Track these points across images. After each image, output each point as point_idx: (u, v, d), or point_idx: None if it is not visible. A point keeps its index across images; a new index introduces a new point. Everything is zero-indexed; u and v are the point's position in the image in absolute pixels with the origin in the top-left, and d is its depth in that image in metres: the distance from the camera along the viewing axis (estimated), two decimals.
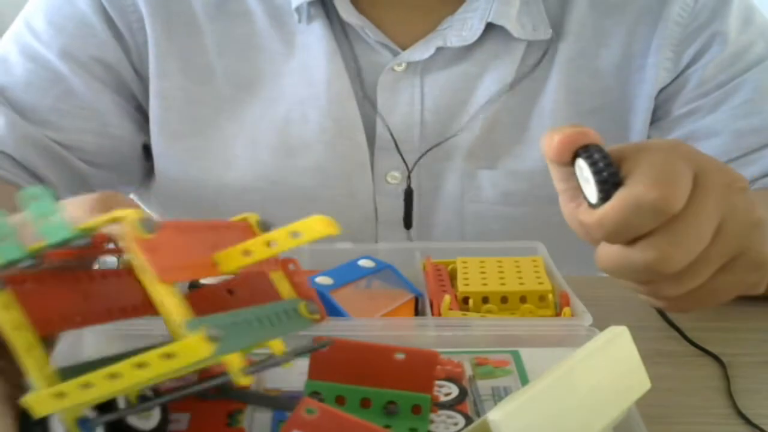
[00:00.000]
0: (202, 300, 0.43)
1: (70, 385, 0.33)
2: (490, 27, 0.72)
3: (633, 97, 0.75)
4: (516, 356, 0.51)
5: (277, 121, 0.74)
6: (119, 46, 0.74)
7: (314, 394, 0.43)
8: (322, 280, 0.56)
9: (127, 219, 0.34)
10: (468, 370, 0.49)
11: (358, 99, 0.74)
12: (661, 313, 0.62)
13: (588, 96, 0.75)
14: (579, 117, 0.75)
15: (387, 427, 0.41)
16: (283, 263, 0.42)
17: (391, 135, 0.74)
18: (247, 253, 0.38)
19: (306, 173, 0.75)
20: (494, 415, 0.34)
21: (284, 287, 0.42)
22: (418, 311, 0.58)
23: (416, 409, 0.42)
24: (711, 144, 0.73)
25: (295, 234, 0.37)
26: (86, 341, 0.48)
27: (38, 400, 0.34)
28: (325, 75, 0.73)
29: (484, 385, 0.47)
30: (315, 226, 0.37)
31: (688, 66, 0.74)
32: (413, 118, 0.74)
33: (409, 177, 0.75)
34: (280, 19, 0.74)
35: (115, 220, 0.34)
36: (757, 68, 0.74)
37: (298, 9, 0.72)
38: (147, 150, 0.79)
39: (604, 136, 0.45)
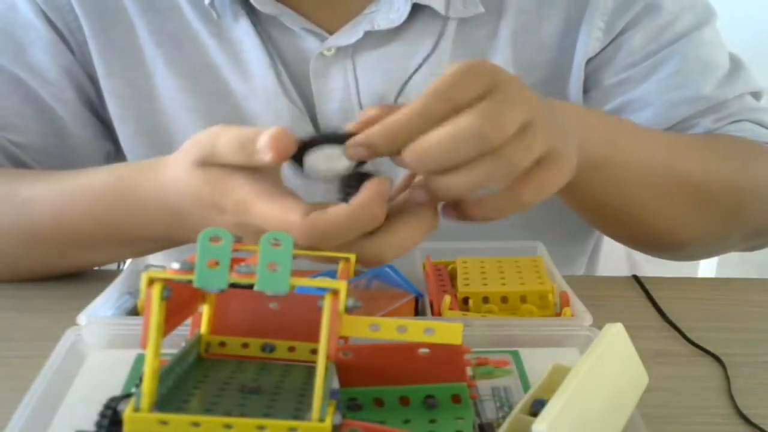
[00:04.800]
0: (232, 298, 0.43)
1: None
2: (417, 7, 0.70)
3: (571, 67, 0.75)
4: (516, 356, 0.51)
5: (228, 114, 0.74)
6: (65, 47, 0.73)
7: (351, 400, 0.42)
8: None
9: (340, 293, 0.36)
10: (468, 370, 0.49)
11: (297, 89, 0.73)
12: (661, 312, 0.62)
13: (536, 69, 0.74)
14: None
15: (432, 420, 0.41)
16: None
17: (329, 124, 0.72)
18: (374, 327, 0.38)
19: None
20: (539, 426, 0.35)
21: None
22: (418, 311, 0.58)
23: (456, 398, 0.42)
24: (644, 115, 0.73)
25: (428, 330, 0.38)
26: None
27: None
28: (258, 69, 0.72)
29: (484, 385, 0.47)
30: (449, 332, 0.38)
31: (619, 34, 0.73)
32: (350, 103, 0.73)
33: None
34: (208, 15, 0.72)
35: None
36: (684, 39, 0.73)
37: (212, 4, 0.71)
38: (109, 159, 0.79)
39: None
